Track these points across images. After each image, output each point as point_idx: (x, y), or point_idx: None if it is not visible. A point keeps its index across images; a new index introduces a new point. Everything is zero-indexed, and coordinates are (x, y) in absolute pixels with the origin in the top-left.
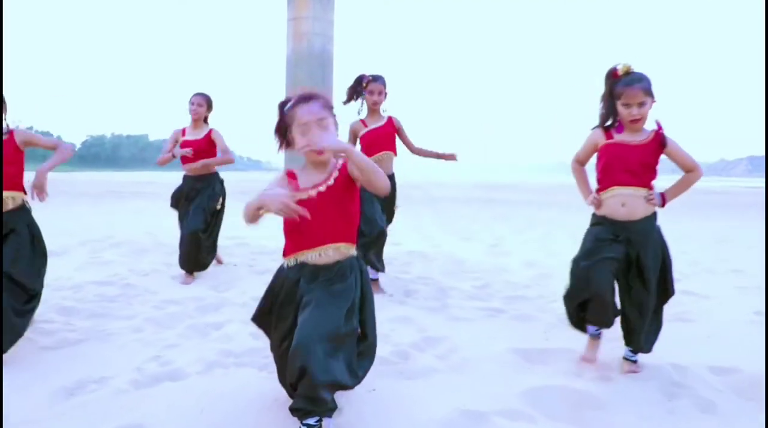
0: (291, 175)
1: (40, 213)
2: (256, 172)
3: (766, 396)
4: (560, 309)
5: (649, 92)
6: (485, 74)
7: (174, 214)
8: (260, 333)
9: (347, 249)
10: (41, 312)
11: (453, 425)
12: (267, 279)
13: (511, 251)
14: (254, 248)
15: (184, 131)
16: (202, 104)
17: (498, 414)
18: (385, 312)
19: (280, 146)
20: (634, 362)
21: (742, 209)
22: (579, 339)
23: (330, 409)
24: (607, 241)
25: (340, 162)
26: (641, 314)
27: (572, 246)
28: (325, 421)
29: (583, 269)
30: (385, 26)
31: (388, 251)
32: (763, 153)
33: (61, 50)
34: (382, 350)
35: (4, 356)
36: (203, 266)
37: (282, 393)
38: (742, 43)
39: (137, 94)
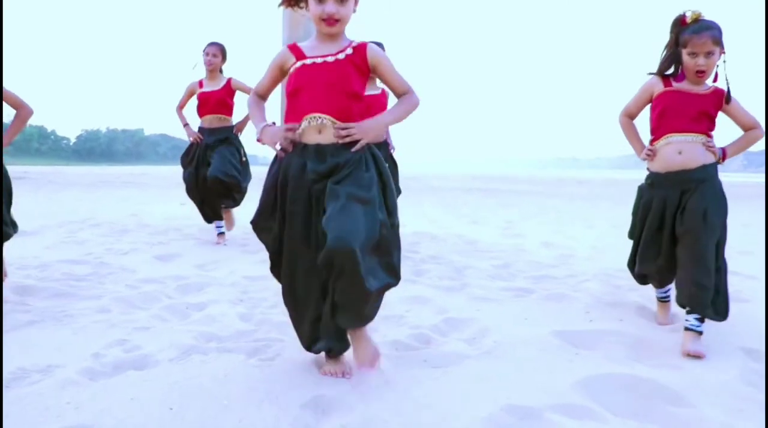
0: (294, 48)
1: (21, 198)
2: (252, 166)
3: None
4: (596, 288)
5: (718, 42)
6: (479, 68)
7: (164, 198)
8: (251, 314)
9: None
10: None
11: (500, 424)
12: (260, 259)
13: (526, 233)
14: (247, 228)
15: (201, 83)
16: (217, 54)
17: (553, 409)
18: (394, 290)
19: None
20: (699, 333)
21: (747, 200)
22: (629, 320)
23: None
24: (654, 231)
25: (356, 42)
26: (694, 261)
27: (587, 230)
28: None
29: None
30: (386, 11)
31: None
32: (759, 148)
33: (57, 45)
34: (398, 333)
35: None
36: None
37: (276, 386)
38: (737, 38)
39: (132, 88)
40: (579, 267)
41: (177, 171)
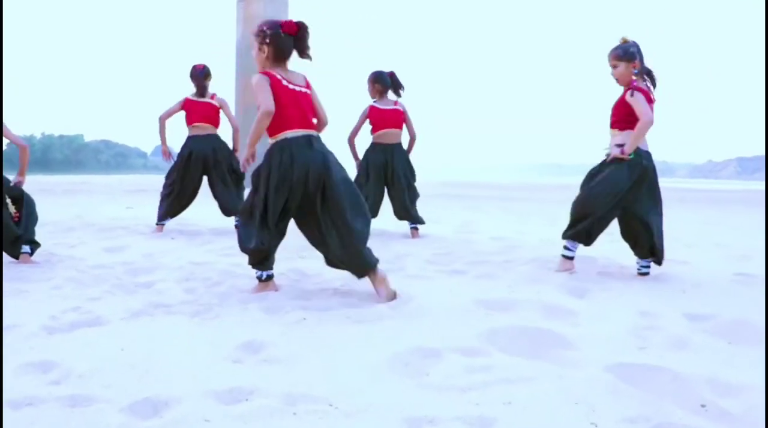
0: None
1: None
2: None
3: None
4: (527, 270)
5: (618, 57)
6: (459, 73)
7: (108, 202)
8: (196, 287)
9: None
10: None
11: (403, 361)
12: (207, 250)
13: (479, 230)
14: (194, 226)
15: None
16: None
17: (452, 350)
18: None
19: None
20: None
21: (730, 204)
22: (545, 293)
23: None
24: None
25: None
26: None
27: (545, 227)
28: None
29: None
30: (344, 8)
31: None
32: (752, 154)
33: None
34: (327, 302)
35: None
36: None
37: (214, 335)
38: (732, 44)
39: (71, 90)
40: (519, 254)
41: (123, 179)
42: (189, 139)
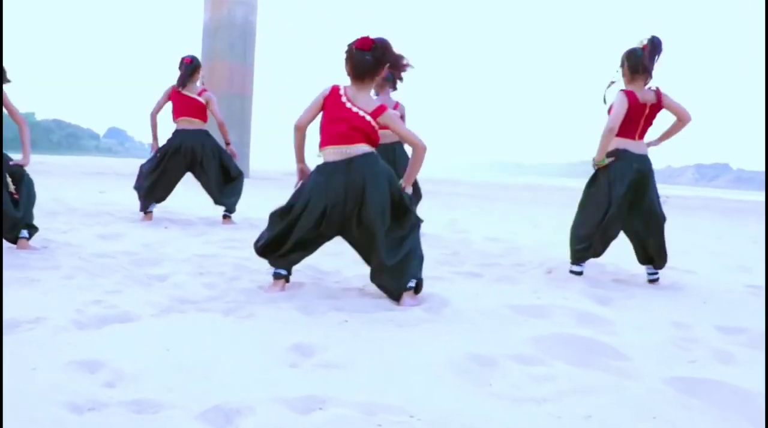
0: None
1: None
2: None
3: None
4: (541, 274)
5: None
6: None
7: (76, 186)
8: (215, 283)
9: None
10: None
11: (462, 369)
12: (206, 241)
13: (471, 229)
14: (182, 215)
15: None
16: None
17: (507, 357)
18: (353, 268)
19: None
20: None
21: (696, 211)
22: (573, 299)
23: None
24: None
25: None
26: None
27: (532, 229)
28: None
29: None
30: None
31: None
32: (711, 161)
33: None
34: (360, 303)
35: None
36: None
37: (258, 335)
38: (695, 52)
39: (22, 66)
40: (525, 257)
41: (76, 161)
42: (178, 132)
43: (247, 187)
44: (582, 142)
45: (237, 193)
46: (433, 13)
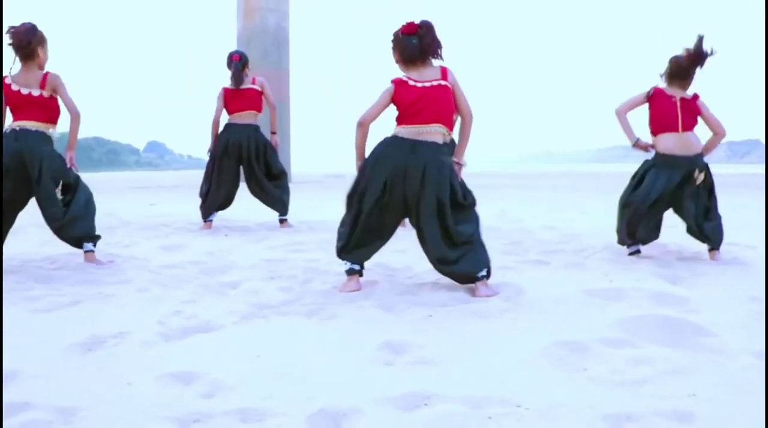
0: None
1: None
2: (197, 170)
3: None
4: (608, 258)
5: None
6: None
7: (125, 200)
8: (290, 286)
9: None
10: (19, 280)
11: (555, 356)
12: (269, 246)
13: (523, 218)
14: (239, 222)
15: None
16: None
17: (597, 342)
18: (419, 264)
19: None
20: None
21: (733, 188)
22: (645, 280)
23: None
24: None
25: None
26: None
27: (582, 216)
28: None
29: None
30: (346, 1)
31: None
32: (742, 138)
33: None
34: (438, 297)
35: None
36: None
37: (345, 336)
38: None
39: None
40: (586, 243)
41: (118, 176)
42: (226, 127)
43: (293, 190)
44: (612, 127)
45: (284, 193)
46: (468, 10)
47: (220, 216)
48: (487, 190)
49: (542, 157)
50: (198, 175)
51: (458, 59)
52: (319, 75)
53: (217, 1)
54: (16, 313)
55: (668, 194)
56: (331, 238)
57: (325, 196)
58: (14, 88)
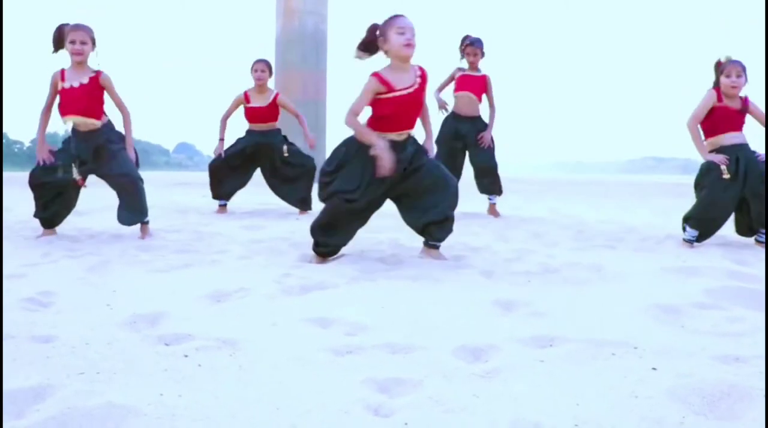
0: (382, 79)
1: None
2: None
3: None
4: (673, 244)
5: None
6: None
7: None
8: (384, 257)
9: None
10: (123, 248)
11: (652, 314)
12: None
13: (577, 214)
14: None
15: (247, 96)
16: (265, 70)
17: (689, 306)
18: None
19: (361, 55)
20: None
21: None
22: (716, 261)
23: None
24: None
25: (419, 72)
26: None
27: (631, 214)
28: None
29: None
30: (383, 3)
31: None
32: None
33: None
34: (528, 265)
35: (104, 281)
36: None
37: (460, 297)
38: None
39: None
40: (646, 233)
41: (149, 175)
42: (248, 132)
43: None
44: (642, 138)
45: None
46: (501, 15)
47: (275, 204)
48: (525, 195)
49: (573, 167)
50: None
51: (495, 69)
52: (356, 76)
53: (256, 3)
54: (135, 272)
55: None
56: (399, 224)
57: None
58: None
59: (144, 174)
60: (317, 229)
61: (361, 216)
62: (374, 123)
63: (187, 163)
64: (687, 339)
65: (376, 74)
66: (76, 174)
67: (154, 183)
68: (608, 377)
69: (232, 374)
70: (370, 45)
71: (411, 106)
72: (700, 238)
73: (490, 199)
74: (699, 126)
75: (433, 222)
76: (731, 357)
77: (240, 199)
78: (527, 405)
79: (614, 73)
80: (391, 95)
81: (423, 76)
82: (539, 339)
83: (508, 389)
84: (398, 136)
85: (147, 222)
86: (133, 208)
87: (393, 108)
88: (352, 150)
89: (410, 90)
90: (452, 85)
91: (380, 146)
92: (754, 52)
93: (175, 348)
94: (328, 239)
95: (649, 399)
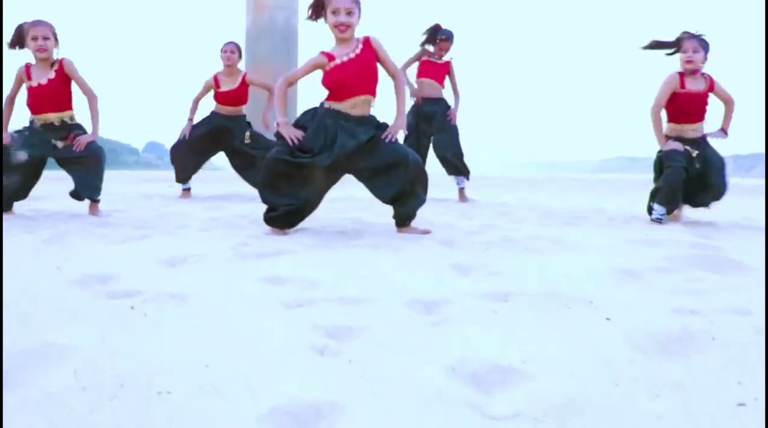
0: (324, 53)
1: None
2: (208, 171)
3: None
4: (639, 222)
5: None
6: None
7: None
8: (346, 231)
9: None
10: (80, 224)
11: (613, 276)
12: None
13: (544, 202)
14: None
15: (217, 81)
16: (235, 51)
17: (648, 270)
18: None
19: (310, 16)
20: None
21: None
22: (679, 234)
23: None
24: None
25: (362, 40)
26: None
27: (601, 201)
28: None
29: None
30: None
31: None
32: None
33: None
34: (491, 236)
35: (59, 249)
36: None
37: (420, 261)
38: (734, 35)
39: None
40: (612, 213)
41: (119, 175)
42: (212, 114)
43: None
44: (616, 137)
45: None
46: (475, 12)
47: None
48: (498, 188)
49: (546, 166)
50: (195, 177)
51: (468, 66)
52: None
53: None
54: (94, 244)
55: None
56: (363, 206)
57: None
58: None
59: (113, 173)
60: (261, 187)
61: (306, 179)
62: (331, 95)
63: (157, 163)
64: (645, 296)
65: (322, 51)
66: (60, 145)
67: (123, 180)
68: (561, 325)
69: (178, 322)
70: (317, 8)
71: (358, 71)
72: (669, 211)
73: (458, 184)
74: (662, 112)
75: (400, 196)
76: (687, 309)
77: (206, 186)
78: (476, 346)
79: (588, 72)
80: (332, 64)
81: (366, 44)
82: (494, 294)
83: (458, 333)
84: (362, 101)
85: (98, 201)
86: (88, 184)
87: (338, 75)
88: (307, 117)
89: (351, 56)
90: (415, 69)
91: (282, 122)
92: (755, 52)
93: (122, 301)
94: (276, 199)
95: (601, 341)
